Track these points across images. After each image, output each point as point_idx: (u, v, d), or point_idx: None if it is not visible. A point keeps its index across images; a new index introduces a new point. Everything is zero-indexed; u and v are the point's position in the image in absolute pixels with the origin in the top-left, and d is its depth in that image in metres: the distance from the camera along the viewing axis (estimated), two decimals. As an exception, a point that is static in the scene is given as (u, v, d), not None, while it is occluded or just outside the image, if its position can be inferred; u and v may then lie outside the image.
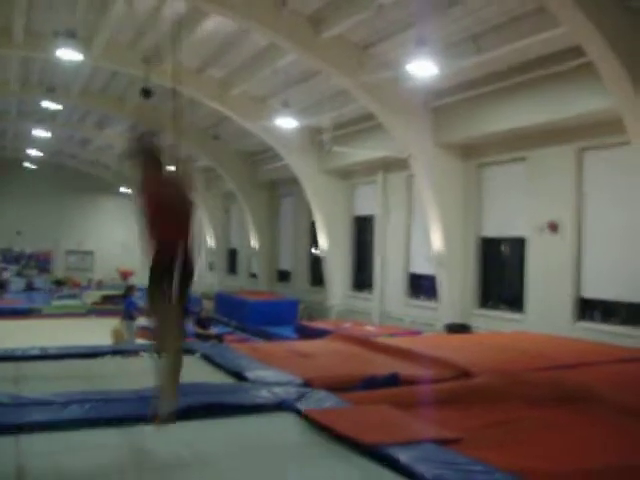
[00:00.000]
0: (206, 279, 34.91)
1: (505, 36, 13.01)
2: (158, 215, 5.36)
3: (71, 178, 40.37)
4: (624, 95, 10.96)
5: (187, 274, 5.29)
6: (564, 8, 10.39)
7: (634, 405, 6.63)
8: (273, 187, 28.66)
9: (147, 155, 5.75)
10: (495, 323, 15.90)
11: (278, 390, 7.01)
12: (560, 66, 12.96)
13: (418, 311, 18.77)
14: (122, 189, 38.67)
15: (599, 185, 13.80)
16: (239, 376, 8.10)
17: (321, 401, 6.56)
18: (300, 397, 6.71)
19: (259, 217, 28.47)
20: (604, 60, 10.80)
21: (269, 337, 19.43)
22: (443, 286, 17.09)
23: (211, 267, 34.61)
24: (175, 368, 5.40)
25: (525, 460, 4.81)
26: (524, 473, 4.49)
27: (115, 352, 10.28)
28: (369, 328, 17.59)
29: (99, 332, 17.86)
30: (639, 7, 10.74)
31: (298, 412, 6.31)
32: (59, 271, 41.23)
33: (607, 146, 13.46)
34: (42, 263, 41.60)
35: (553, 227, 14.50)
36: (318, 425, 5.75)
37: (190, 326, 16.71)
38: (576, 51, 11.58)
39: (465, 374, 8.22)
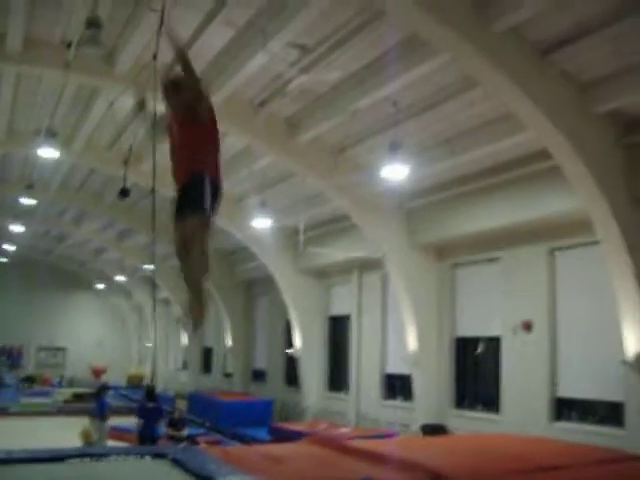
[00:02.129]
0: (180, 378, 34.44)
1: (477, 140, 13.42)
2: (185, 136, 5.66)
3: (45, 273, 40.04)
4: (590, 196, 11.26)
5: (217, 192, 5.67)
6: (531, 114, 10.77)
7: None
8: (249, 286, 28.65)
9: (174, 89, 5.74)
10: (471, 423, 15.73)
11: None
12: (530, 168, 13.32)
13: (394, 412, 18.54)
14: (97, 285, 38.47)
15: (571, 284, 13.96)
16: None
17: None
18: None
19: (235, 315, 28.33)
20: (570, 163, 11.14)
21: (243, 439, 19.06)
22: (418, 386, 16.96)
23: (185, 366, 34.15)
24: (201, 280, 5.57)
25: None
26: None
27: (84, 455, 9.96)
28: (344, 430, 17.32)
29: (69, 432, 17.42)
30: (603, 112, 11.15)
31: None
32: (30, 367, 40.39)
33: (577, 245, 13.71)
34: (13, 359, 40.69)
35: (527, 326, 14.57)
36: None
37: (162, 427, 16.34)
38: (545, 154, 11.92)
39: (439, 478, 8.07)
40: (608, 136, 11.41)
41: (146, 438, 15.31)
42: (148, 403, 16.10)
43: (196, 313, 5.60)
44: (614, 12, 9.50)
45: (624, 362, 11.61)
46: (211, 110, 5.85)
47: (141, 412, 16.04)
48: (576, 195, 11.72)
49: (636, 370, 11.46)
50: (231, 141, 17.26)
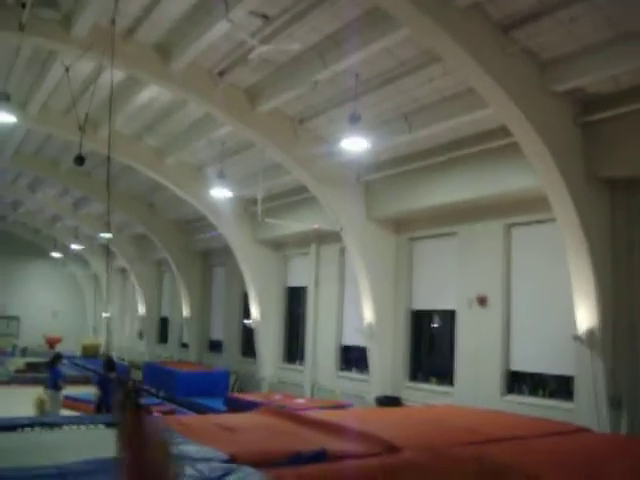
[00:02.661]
0: (136, 348, 34.28)
1: (436, 115, 13.45)
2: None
3: (-1, 240, 39.43)
4: (547, 174, 11.38)
5: None
6: (491, 91, 10.81)
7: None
8: (206, 256, 28.53)
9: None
10: (425, 396, 15.94)
11: (202, 467, 6.84)
12: (489, 145, 13.39)
13: (349, 383, 18.70)
14: (52, 254, 37.95)
15: (527, 260, 14.14)
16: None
17: (245, 478, 6.42)
18: (224, 474, 6.56)
19: (192, 286, 28.21)
20: (528, 140, 11.23)
21: (198, 409, 19.05)
22: (374, 358, 17.10)
23: (141, 336, 33.99)
24: None
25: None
26: None
27: (37, 424, 9.89)
28: (300, 401, 17.41)
29: (22, 401, 17.24)
30: (562, 91, 11.25)
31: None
32: (-19, 336, 39.74)
33: (533, 222, 13.88)
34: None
35: (482, 301, 14.75)
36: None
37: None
38: (503, 131, 12.00)
39: (392, 449, 8.18)
40: (567, 115, 11.54)
41: (105, 408, 15.23)
42: (108, 374, 16.00)
43: None
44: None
45: (575, 337, 11.83)
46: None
47: (100, 383, 15.94)
48: (534, 172, 11.84)
49: (586, 345, 11.68)
50: (190, 109, 17.10)
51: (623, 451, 8.09)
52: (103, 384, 15.73)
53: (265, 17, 12.07)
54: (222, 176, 17.59)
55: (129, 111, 17.37)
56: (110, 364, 16.64)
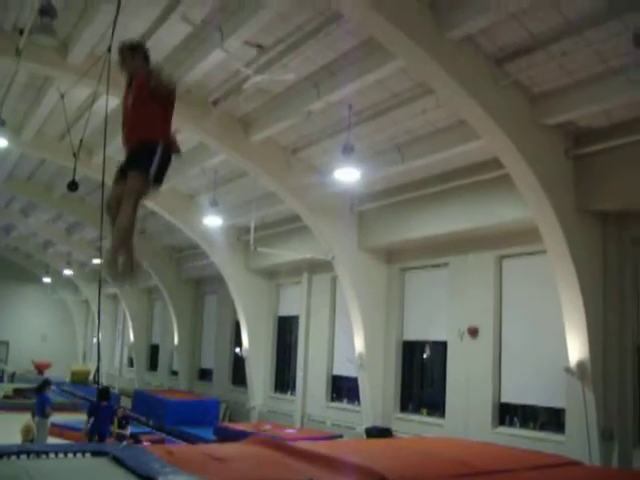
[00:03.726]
0: (125, 375, 34.06)
1: (429, 146, 13.53)
2: (145, 102, 5.76)
3: (-12, 264, 39.18)
4: (539, 206, 11.44)
5: (168, 156, 5.81)
6: (483, 123, 10.90)
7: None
8: (198, 284, 28.47)
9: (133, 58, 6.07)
10: (416, 427, 15.85)
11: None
12: (480, 176, 13.47)
13: (340, 414, 18.60)
14: (43, 279, 37.80)
15: (518, 291, 14.17)
16: (150, 481, 7.77)
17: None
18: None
19: (182, 314, 28.10)
20: (519, 172, 11.30)
21: (188, 438, 18.90)
22: (365, 389, 17.03)
23: (131, 363, 33.79)
24: (125, 231, 5.52)
25: None
26: None
27: (23, 452, 9.76)
28: (289, 431, 17.31)
29: (9, 428, 17.07)
30: (553, 124, 11.35)
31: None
32: (-32, 361, 39.35)
33: (525, 254, 13.94)
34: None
35: (473, 332, 14.74)
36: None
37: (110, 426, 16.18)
38: (495, 163, 12.07)
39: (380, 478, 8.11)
40: (558, 147, 11.63)
41: (97, 436, 15.13)
42: (101, 402, 15.91)
43: (124, 266, 5.53)
44: (561, 29, 9.71)
45: (567, 369, 11.82)
46: (173, 92, 5.99)
47: (92, 411, 15.82)
48: (525, 204, 11.89)
49: (577, 377, 11.67)
50: (184, 138, 17.14)
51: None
52: (95, 412, 15.63)
53: (260, 47, 12.16)
54: (215, 204, 17.63)
55: (123, 138, 17.41)
56: (105, 393, 16.53)
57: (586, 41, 9.75)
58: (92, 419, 15.54)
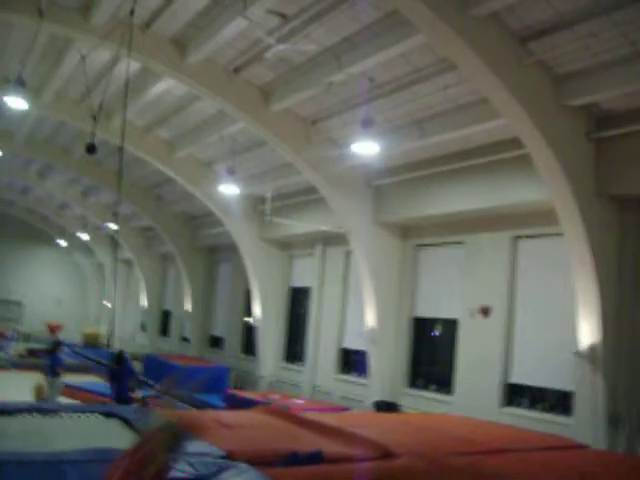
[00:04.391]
0: (137, 340, 34.30)
1: (449, 123, 13.43)
2: None
3: (6, 225, 39.40)
4: (557, 188, 11.34)
5: None
6: (505, 101, 10.79)
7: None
8: (212, 252, 28.56)
9: None
10: (423, 403, 15.92)
11: (197, 462, 6.82)
12: (500, 155, 13.36)
13: (348, 386, 18.69)
14: (59, 241, 37.99)
15: (532, 273, 14.11)
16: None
17: (241, 476, 6.40)
18: (219, 471, 6.54)
19: (195, 281, 28.25)
20: (540, 153, 11.19)
21: (196, 404, 19.03)
22: (374, 363, 17.09)
23: (143, 328, 34.02)
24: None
25: None
26: None
27: (34, 410, 9.88)
28: (298, 401, 17.39)
29: (21, 387, 17.27)
30: (576, 106, 11.23)
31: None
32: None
33: (541, 235, 13.85)
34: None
35: (485, 311, 14.72)
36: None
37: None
38: (516, 142, 11.98)
39: (389, 454, 8.16)
40: (580, 130, 11.51)
41: (119, 400, 15.22)
42: (117, 366, 16.00)
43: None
44: (588, 9, 9.58)
45: (577, 353, 11.80)
46: None
47: (112, 375, 15.90)
48: (543, 185, 11.80)
49: (588, 361, 11.66)
50: (203, 104, 17.13)
51: (619, 469, 8.03)
52: (112, 376, 15.74)
53: (283, 16, 12.09)
54: (232, 173, 17.61)
55: (143, 102, 17.42)
56: (119, 358, 16.62)
57: (613, 22, 9.61)
58: (114, 383, 15.63)
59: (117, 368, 15.89)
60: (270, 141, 16.53)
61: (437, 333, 16.99)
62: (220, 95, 15.04)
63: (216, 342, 27.69)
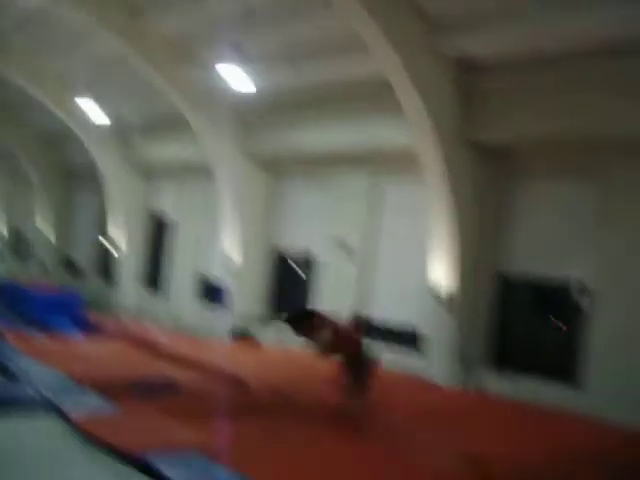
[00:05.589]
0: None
1: (321, 60, 13.28)
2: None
3: None
4: (422, 133, 11.51)
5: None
6: (377, 43, 10.76)
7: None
8: (72, 177, 27.49)
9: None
10: (281, 336, 16.06)
11: (45, 389, 6.63)
12: (369, 96, 13.38)
13: (208, 316, 18.64)
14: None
15: (393, 215, 14.36)
16: (6, 372, 7.60)
17: (89, 403, 6.27)
18: (67, 397, 6.38)
19: (54, 205, 27.20)
20: (408, 97, 11.26)
21: (51, 331, 18.47)
22: (234, 294, 17.10)
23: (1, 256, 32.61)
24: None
25: (287, 473, 4.85)
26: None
27: None
28: (155, 330, 17.20)
29: None
30: (448, 54, 11.34)
31: (62, 413, 5.98)
32: None
33: (404, 179, 14.06)
34: None
35: (345, 248, 14.90)
36: (81, 430, 5.45)
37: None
38: (385, 85, 11.94)
39: (240, 384, 8.23)
40: (448, 77, 11.63)
41: None
42: None
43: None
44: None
45: (433, 294, 12.17)
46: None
47: None
48: (409, 129, 11.91)
49: (441, 303, 12.07)
50: (67, 16, 16.13)
51: (469, 405, 8.43)
52: None
53: None
54: (93, 92, 16.82)
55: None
56: None
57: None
58: None
59: None
60: (134, 60, 15.78)
61: (298, 267, 17.13)
62: (83, 6, 14.16)
63: (74, 268, 26.90)
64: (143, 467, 4.83)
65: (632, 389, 10.04)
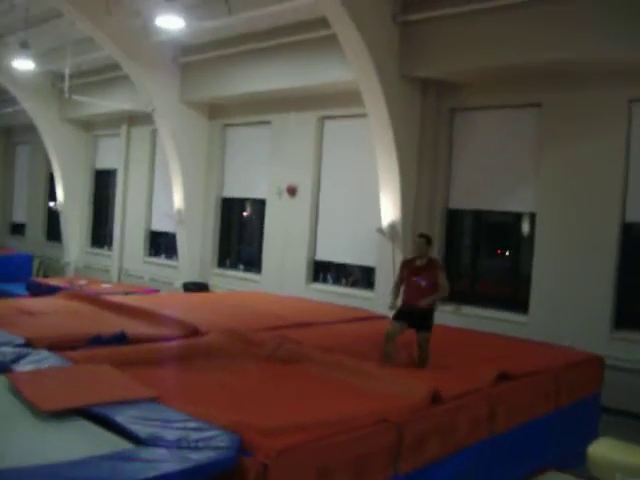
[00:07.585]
0: None
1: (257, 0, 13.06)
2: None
3: None
4: (362, 69, 11.46)
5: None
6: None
7: (342, 361, 7.05)
8: (8, 133, 26.79)
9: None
10: (233, 283, 16.15)
11: (-7, 349, 6.55)
12: (308, 35, 13.27)
13: (158, 269, 18.59)
14: None
15: (338, 153, 14.41)
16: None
17: (40, 362, 6.21)
18: (18, 358, 6.31)
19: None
20: (346, 34, 11.18)
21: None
22: (183, 244, 17.03)
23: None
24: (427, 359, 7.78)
25: (242, 415, 4.91)
26: (240, 428, 4.56)
27: None
28: (105, 285, 17.06)
29: None
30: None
31: (6, 371, 5.92)
32: None
33: (346, 117, 14.08)
34: None
35: (292, 191, 14.94)
36: (24, 388, 5.36)
37: None
38: (323, 22, 11.85)
39: (195, 332, 8.26)
40: (386, 12, 11.56)
41: None
42: None
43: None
44: None
45: (379, 230, 12.32)
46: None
47: None
48: (349, 67, 11.86)
49: (388, 237, 12.22)
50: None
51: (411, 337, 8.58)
52: None
53: None
54: (26, 46, 16.30)
55: None
56: None
57: None
58: None
59: None
60: (67, 12, 15.35)
61: (246, 213, 17.13)
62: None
63: (18, 229, 26.40)
64: (90, 416, 4.82)
65: (567, 310, 10.69)
